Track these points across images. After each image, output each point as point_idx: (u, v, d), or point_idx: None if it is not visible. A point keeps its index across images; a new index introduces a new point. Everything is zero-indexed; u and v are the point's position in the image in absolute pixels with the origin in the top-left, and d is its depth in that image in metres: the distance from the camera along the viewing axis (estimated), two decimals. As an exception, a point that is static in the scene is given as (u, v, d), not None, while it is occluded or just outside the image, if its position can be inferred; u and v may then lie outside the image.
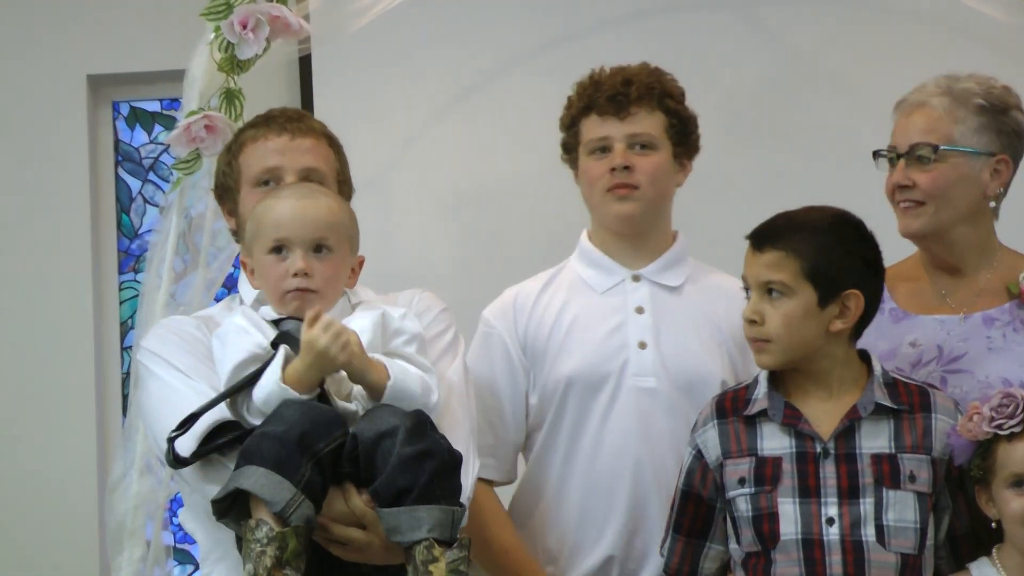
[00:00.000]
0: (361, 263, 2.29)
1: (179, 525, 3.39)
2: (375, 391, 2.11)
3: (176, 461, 2.11)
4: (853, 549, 2.22)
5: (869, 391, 2.28)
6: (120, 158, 3.95)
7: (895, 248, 2.48)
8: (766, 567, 2.25)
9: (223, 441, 2.10)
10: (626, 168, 2.58)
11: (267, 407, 2.06)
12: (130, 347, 3.75)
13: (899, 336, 2.50)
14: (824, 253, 2.26)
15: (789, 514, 2.24)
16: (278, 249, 2.19)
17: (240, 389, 2.09)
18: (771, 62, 3.59)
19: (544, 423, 2.63)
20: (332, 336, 2.05)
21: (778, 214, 2.33)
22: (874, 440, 2.26)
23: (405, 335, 2.18)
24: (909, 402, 2.29)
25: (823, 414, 2.28)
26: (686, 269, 2.67)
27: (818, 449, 2.26)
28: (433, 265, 3.59)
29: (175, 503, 3.23)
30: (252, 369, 2.10)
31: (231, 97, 2.89)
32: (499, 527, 2.62)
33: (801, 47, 3.59)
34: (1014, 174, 2.51)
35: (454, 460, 2.07)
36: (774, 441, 2.28)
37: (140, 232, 3.93)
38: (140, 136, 3.96)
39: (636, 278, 2.65)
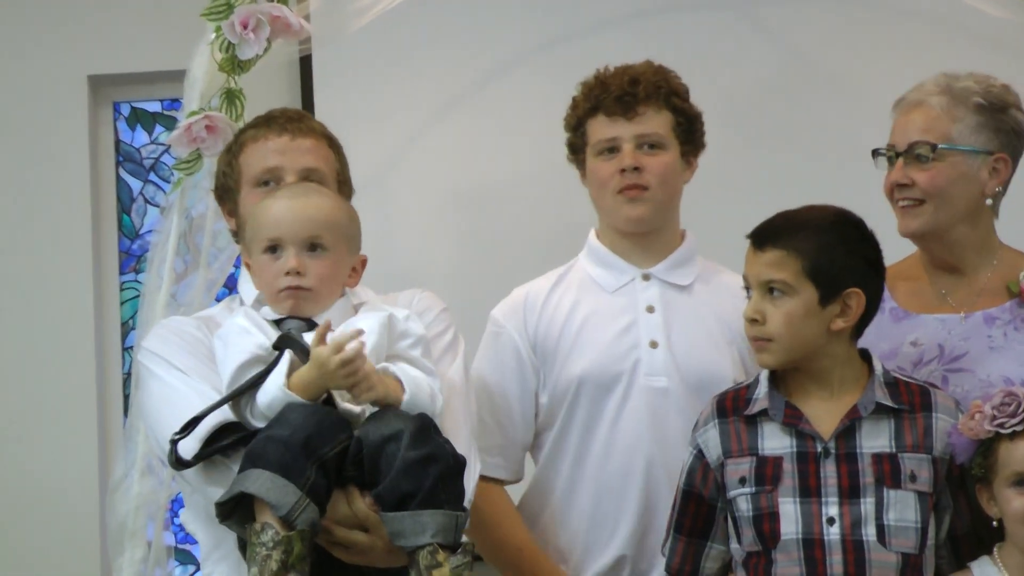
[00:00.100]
0: (363, 263, 2.29)
1: (180, 525, 3.39)
2: (386, 405, 2.11)
3: (178, 463, 2.10)
4: (854, 549, 2.22)
5: (870, 390, 2.28)
6: (121, 158, 3.94)
7: (895, 247, 2.48)
8: (767, 567, 2.25)
9: (226, 443, 2.10)
10: (636, 169, 2.58)
11: (271, 411, 2.07)
12: (131, 348, 3.74)
13: (900, 336, 2.50)
14: (825, 252, 2.26)
15: (790, 514, 2.24)
16: (272, 248, 2.19)
17: (243, 392, 2.09)
18: (771, 62, 3.59)
19: (555, 422, 2.63)
20: (339, 363, 2.04)
21: (779, 213, 2.33)
22: (875, 440, 2.26)
23: (411, 338, 2.18)
24: (910, 401, 2.29)
25: (824, 414, 2.28)
26: (695, 268, 2.68)
27: (819, 449, 2.25)
28: (433, 265, 3.58)
29: (176, 504, 3.23)
30: (255, 370, 2.10)
31: (232, 97, 2.89)
32: (511, 526, 2.62)
33: (801, 46, 3.58)
34: (1013, 172, 2.50)
35: (458, 464, 2.07)
36: (775, 441, 2.28)
37: (141, 232, 3.93)
38: (141, 136, 3.95)
39: (646, 277, 2.65)
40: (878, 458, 2.25)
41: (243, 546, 2.05)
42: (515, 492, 2.71)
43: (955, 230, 2.48)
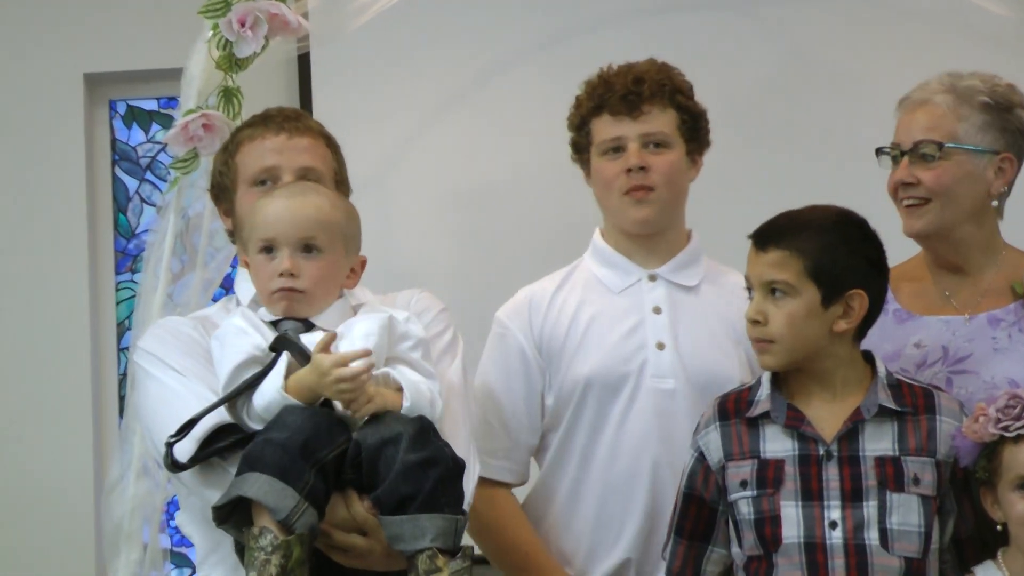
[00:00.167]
0: (363, 264, 2.28)
1: (176, 528, 3.38)
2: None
3: (174, 466, 2.10)
4: (856, 553, 2.21)
5: (873, 393, 2.27)
6: (117, 157, 3.95)
7: (898, 248, 2.46)
8: (768, 571, 2.24)
9: (223, 445, 2.09)
10: (641, 169, 2.57)
11: (268, 413, 2.06)
12: (127, 348, 3.75)
13: (903, 337, 2.49)
14: (828, 252, 2.24)
15: (791, 517, 2.23)
16: (268, 249, 2.18)
17: (240, 393, 2.08)
18: (773, 60, 3.59)
19: (561, 424, 2.62)
20: (338, 378, 2.02)
21: (781, 213, 2.32)
22: (878, 442, 2.25)
23: (411, 340, 2.17)
24: (913, 404, 2.28)
25: (826, 416, 2.27)
26: (701, 268, 2.67)
27: (821, 452, 2.24)
28: (432, 264, 3.58)
29: (172, 506, 3.23)
30: (251, 371, 2.09)
31: (229, 95, 2.89)
32: (518, 529, 2.61)
33: (803, 45, 3.59)
34: (1018, 172, 2.50)
35: (457, 467, 2.06)
36: (776, 443, 2.27)
37: (137, 232, 3.93)
38: (137, 135, 3.96)
39: (652, 278, 2.64)
40: (881, 461, 2.24)
41: (240, 550, 2.04)
42: (519, 494, 2.70)
43: (960, 230, 2.46)
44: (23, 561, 3.66)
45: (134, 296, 3.42)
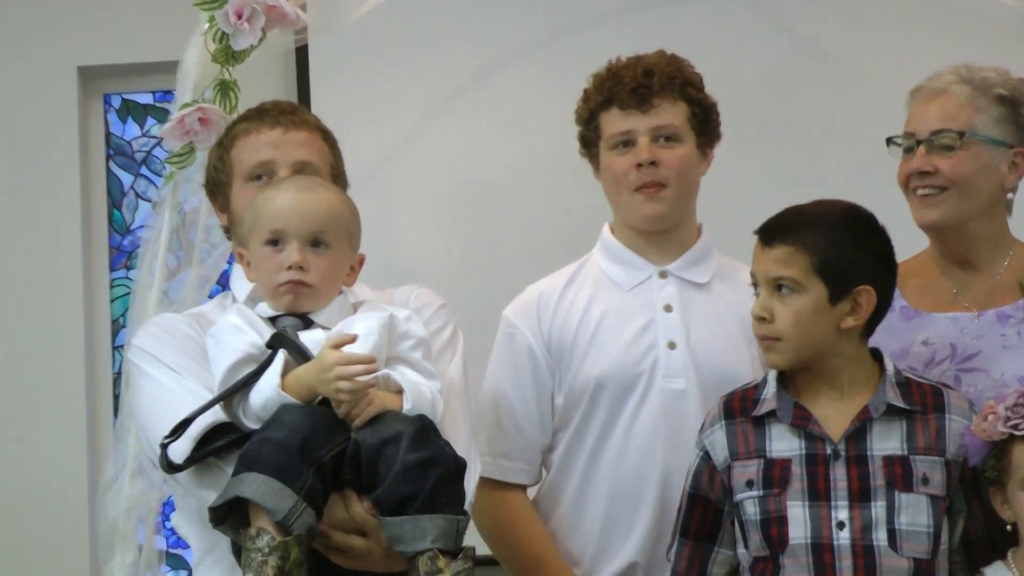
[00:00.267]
0: (361, 261, 2.26)
1: (172, 529, 3.36)
2: None
3: (169, 467, 2.08)
4: (864, 554, 2.19)
5: (881, 391, 2.25)
6: (112, 152, 3.96)
7: (906, 244, 2.44)
8: (774, 572, 2.23)
9: (219, 444, 2.08)
10: (652, 163, 2.55)
11: (264, 412, 2.05)
12: (122, 346, 3.75)
13: (911, 335, 2.47)
14: (835, 248, 2.23)
15: (798, 518, 2.21)
16: (275, 241, 2.17)
17: (235, 392, 2.07)
18: (779, 51, 3.60)
19: (570, 424, 2.60)
20: (336, 377, 2.01)
21: (787, 208, 2.30)
22: (886, 441, 2.23)
23: (412, 339, 2.16)
24: (922, 402, 2.26)
25: (834, 415, 2.25)
26: (712, 265, 2.65)
27: (828, 451, 2.23)
28: (431, 261, 3.58)
29: (168, 506, 3.22)
30: (247, 370, 2.08)
31: (226, 89, 2.88)
32: (532, 533, 2.59)
33: (810, 36, 3.59)
34: (1028, 168, 2.50)
35: (458, 467, 2.05)
36: (783, 442, 2.25)
37: (132, 228, 3.94)
38: (132, 129, 3.96)
39: (663, 275, 2.62)
40: (889, 460, 2.22)
41: (237, 551, 2.02)
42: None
43: (973, 222, 2.45)
44: (17, 562, 3.66)
45: (129, 293, 3.43)
